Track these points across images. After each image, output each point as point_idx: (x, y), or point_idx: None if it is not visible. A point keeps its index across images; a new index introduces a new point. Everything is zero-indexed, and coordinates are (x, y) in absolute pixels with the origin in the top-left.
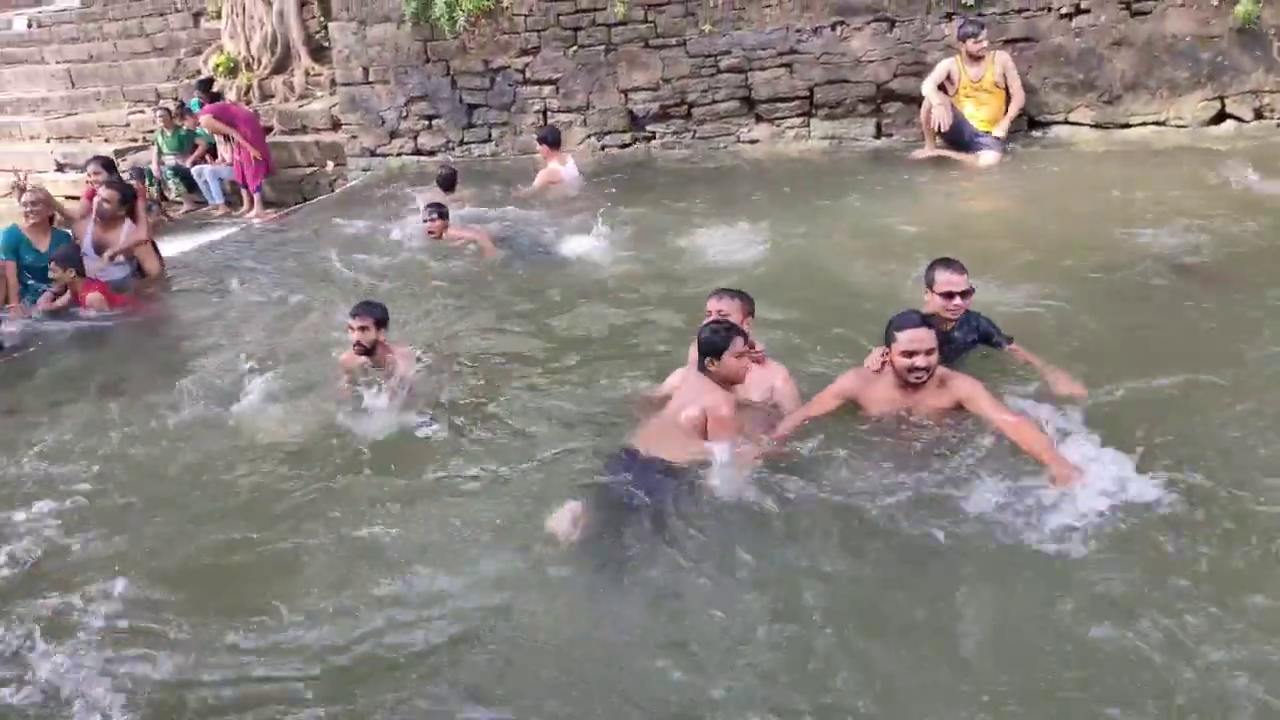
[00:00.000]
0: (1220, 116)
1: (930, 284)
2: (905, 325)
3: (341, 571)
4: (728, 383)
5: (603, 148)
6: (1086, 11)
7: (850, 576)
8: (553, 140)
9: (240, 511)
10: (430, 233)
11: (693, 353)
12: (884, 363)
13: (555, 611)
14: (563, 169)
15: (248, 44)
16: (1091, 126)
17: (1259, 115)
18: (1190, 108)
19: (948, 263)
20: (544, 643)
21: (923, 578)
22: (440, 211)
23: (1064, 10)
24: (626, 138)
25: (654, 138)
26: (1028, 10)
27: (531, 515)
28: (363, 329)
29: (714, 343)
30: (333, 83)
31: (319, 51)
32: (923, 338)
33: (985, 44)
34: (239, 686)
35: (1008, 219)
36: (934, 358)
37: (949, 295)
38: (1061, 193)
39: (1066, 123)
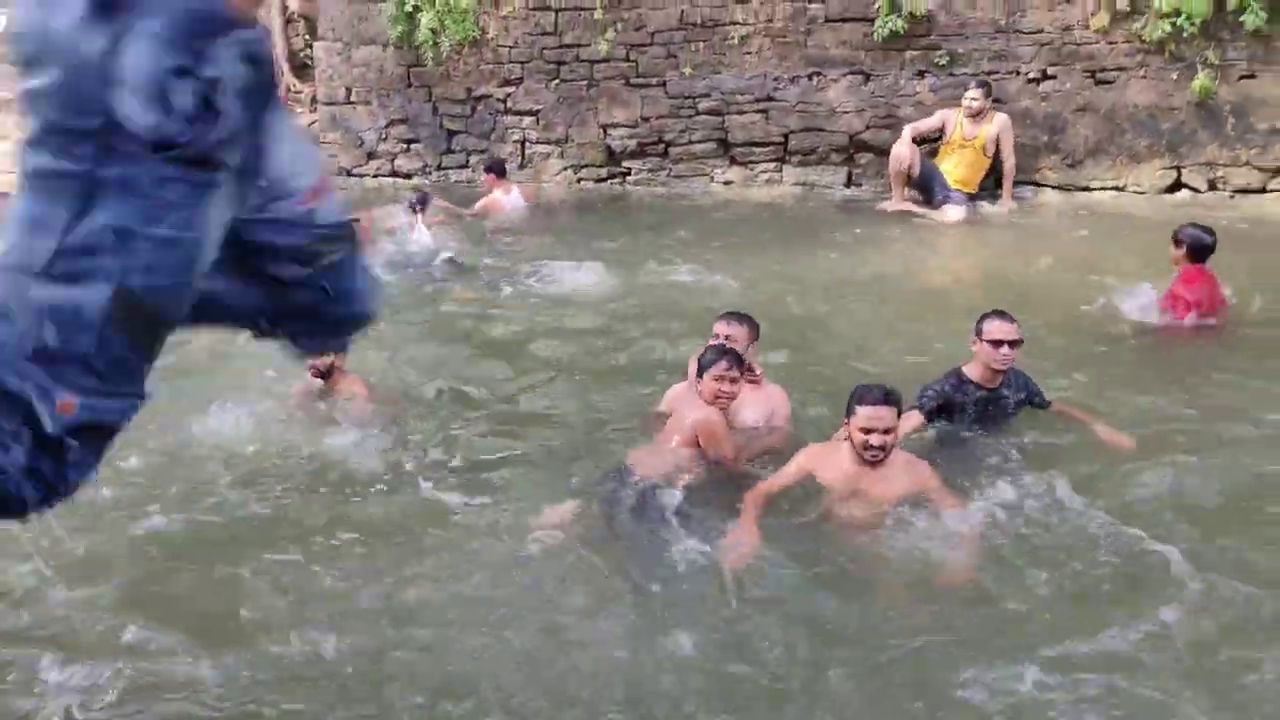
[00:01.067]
0: (1176, 185)
1: (979, 333)
2: (866, 400)
3: (312, 607)
4: (711, 402)
5: (579, 180)
6: (1053, 78)
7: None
8: (498, 170)
9: (204, 544)
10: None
11: (691, 369)
12: (846, 436)
13: (537, 643)
14: (505, 198)
15: None
16: (1054, 188)
17: (1212, 186)
18: (1148, 175)
19: (998, 313)
20: (527, 676)
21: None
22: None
23: (1031, 75)
24: (603, 172)
25: (629, 174)
26: (997, 73)
27: (510, 546)
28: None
29: (702, 361)
30: (313, 100)
31: (301, 69)
32: (882, 415)
33: (982, 102)
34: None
35: (970, 273)
36: (891, 438)
37: (998, 343)
38: (1023, 251)
39: (1031, 183)
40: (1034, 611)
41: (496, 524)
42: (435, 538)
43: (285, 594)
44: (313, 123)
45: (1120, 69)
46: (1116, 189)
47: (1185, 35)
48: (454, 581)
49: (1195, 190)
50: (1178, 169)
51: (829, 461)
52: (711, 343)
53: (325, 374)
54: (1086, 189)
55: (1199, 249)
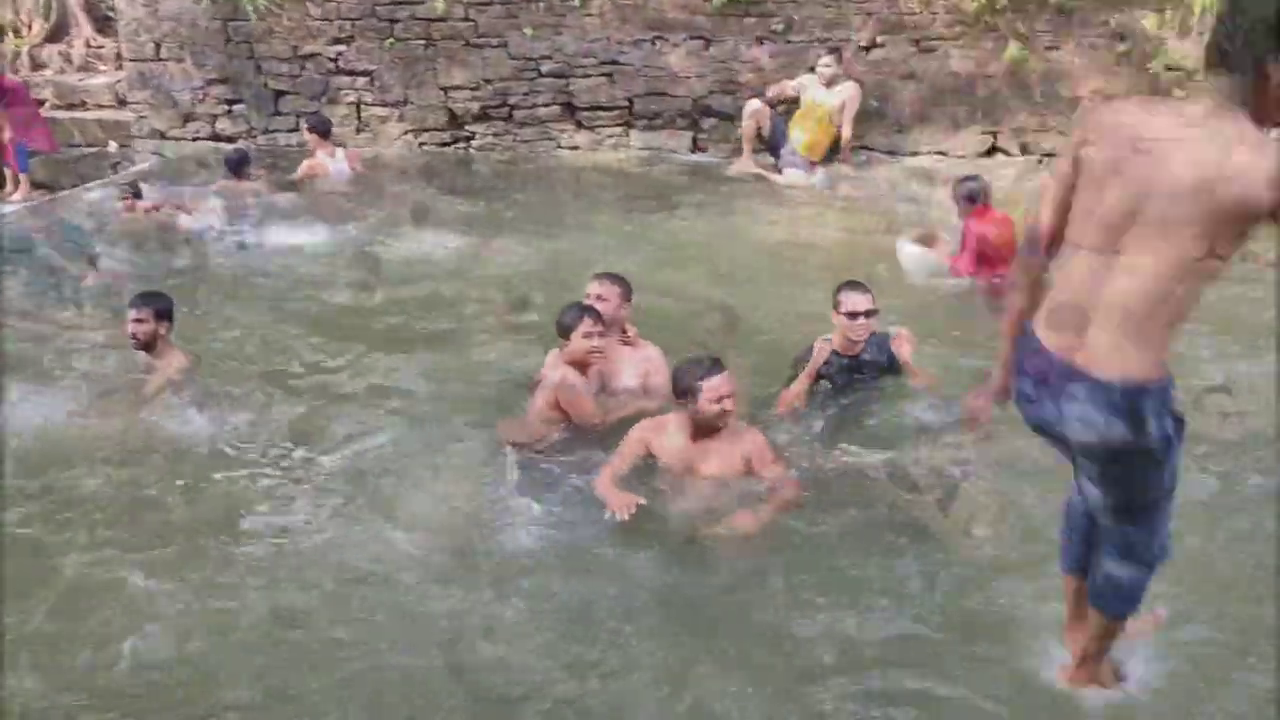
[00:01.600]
0: (992, 150)
1: (836, 305)
2: (711, 374)
3: (127, 607)
4: (579, 364)
5: (421, 145)
6: (882, 46)
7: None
8: (323, 129)
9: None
10: (127, 210)
11: None
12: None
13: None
14: (330, 161)
15: (15, 7)
16: (885, 153)
17: (1024, 150)
18: (968, 141)
19: (853, 284)
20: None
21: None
22: (134, 191)
23: (862, 43)
24: (446, 136)
25: (474, 138)
26: (830, 40)
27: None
28: (139, 321)
29: (562, 323)
30: (118, 56)
31: (103, 21)
32: (725, 381)
33: (834, 69)
34: None
35: (806, 234)
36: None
37: (854, 315)
38: (857, 214)
39: (865, 148)
40: (839, 557)
41: (339, 503)
42: (275, 521)
43: (102, 596)
44: (118, 81)
45: (940, 38)
46: (940, 154)
47: (998, 7)
48: (288, 568)
49: (1009, 154)
50: (994, 134)
51: (660, 436)
52: (583, 304)
53: (148, 346)
54: (914, 154)
55: (972, 197)
